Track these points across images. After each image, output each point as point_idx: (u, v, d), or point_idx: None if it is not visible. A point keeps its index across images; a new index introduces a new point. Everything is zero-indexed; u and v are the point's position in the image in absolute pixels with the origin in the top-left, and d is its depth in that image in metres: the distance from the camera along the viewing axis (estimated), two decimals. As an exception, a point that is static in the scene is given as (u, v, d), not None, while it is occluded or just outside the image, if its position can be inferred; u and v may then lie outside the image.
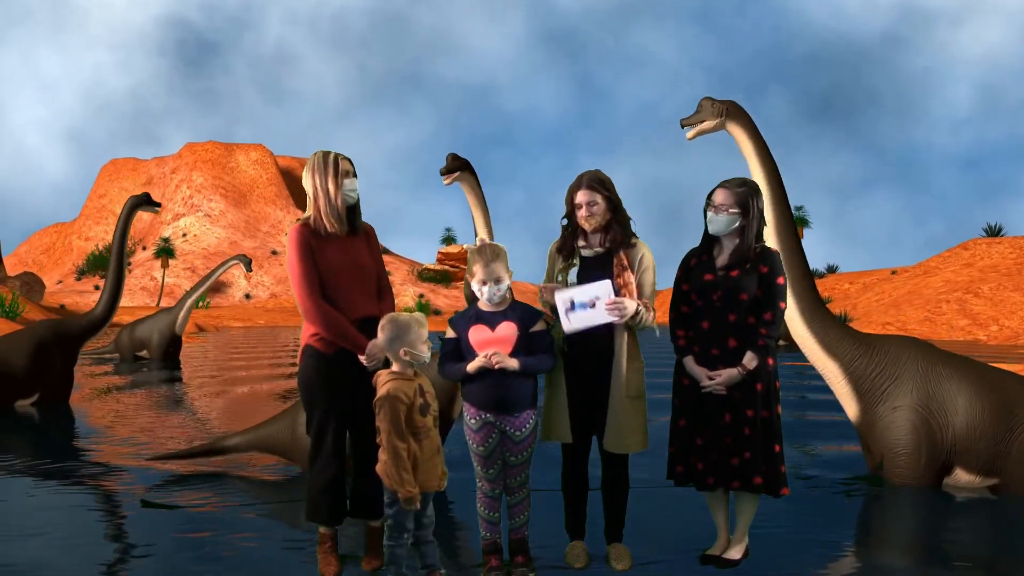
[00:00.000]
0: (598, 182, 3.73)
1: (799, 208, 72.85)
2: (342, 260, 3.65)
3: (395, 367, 3.30)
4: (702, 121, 3.69)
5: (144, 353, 12.29)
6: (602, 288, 3.55)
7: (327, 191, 3.63)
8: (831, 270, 48.87)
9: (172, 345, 12.34)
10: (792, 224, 3.79)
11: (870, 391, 3.69)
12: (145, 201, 6.58)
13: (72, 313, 37.65)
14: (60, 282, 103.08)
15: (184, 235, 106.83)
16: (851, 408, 3.69)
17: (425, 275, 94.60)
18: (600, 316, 3.51)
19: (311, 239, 3.63)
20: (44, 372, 6.34)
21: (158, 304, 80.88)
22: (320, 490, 3.71)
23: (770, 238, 3.78)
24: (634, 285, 3.67)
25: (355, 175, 3.72)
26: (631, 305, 3.55)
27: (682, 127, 3.75)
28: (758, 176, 3.74)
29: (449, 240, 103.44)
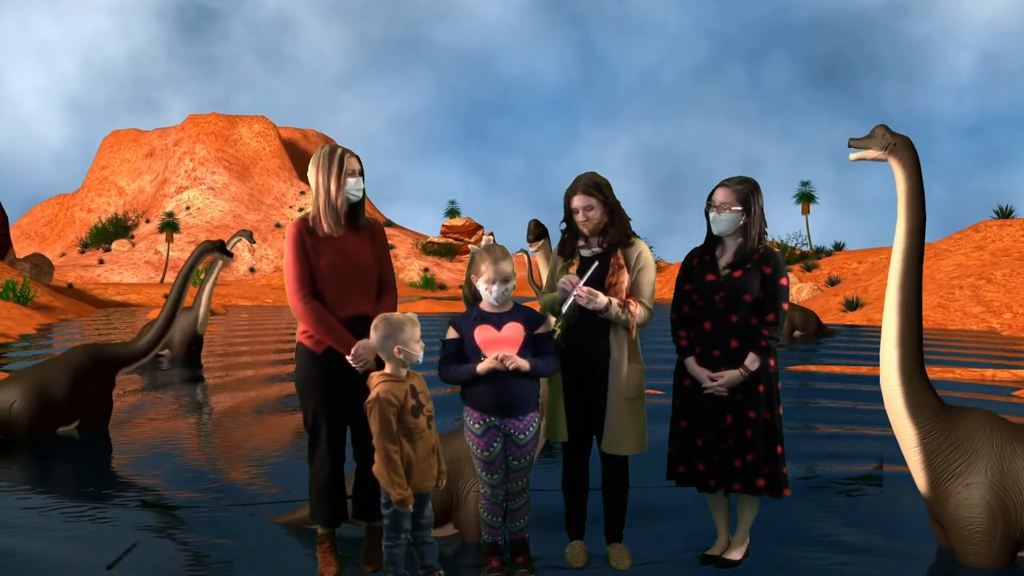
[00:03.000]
0: (594, 186, 3.72)
1: (805, 183, 72.27)
2: (336, 258, 3.61)
3: (388, 368, 3.28)
4: (868, 147, 3.65)
5: (165, 352, 12.27)
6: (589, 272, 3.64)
7: (328, 190, 3.59)
8: (838, 247, 48.61)
9: (194, 344, 12.31)
10: (920, 276, 3.74)
11: (943, 466, 3.66)
12: (218, 248, 6.48)
13: (80, 292, 37.68)
14: (64, 254, 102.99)
15: (187, 208, 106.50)
16: (921, 480, 3.66)
17: (429, 248, 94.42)
18: (573, 294, 3.59)
19: (306, 236, 3.60)
20: (83, 399, 6.33)
21: (163, 279, 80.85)
22: (317, 491, 3.72)
23: (892, 289, 3.73)
24: (625, 285, 3.69)
25: (361, 174, 3.66)
26: (602, 299, 3.58)
27: (849, 146, 3.73)
28: (902, 218, 3.68)
29: (453, 213, 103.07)
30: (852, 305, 24.31)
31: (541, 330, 3.55)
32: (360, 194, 3.67)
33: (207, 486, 5.25)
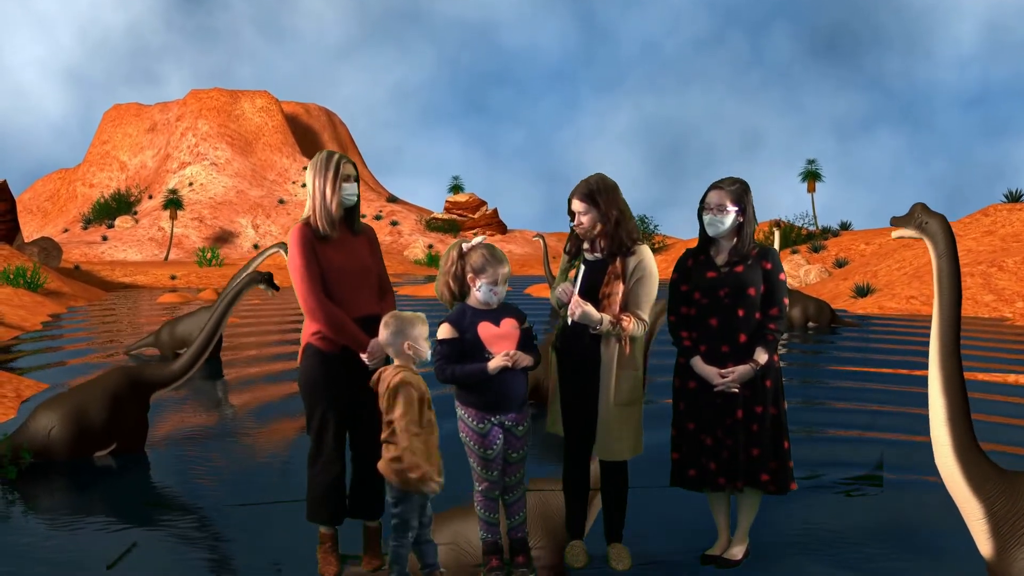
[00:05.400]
0: (589, 195, 3.71)
1: (811, 162, 71.53)
2: (343, 259, 3.71)
3: (397, 363, 3.38)
4: (905, 226, 3.69)
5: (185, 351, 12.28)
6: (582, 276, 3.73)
7: (324, 194, 3.69)
8: (844, 227, 48.41)
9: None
10: (958, 350, 3.76)
11: (1009, 534, 3.69)
12: (266, 280, 6.47)
13: (88, 274, 37.69)
14: (66, 230, 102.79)
15: (190, 184, 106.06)
16: (985, 547, 3.70)
17: (433, 224, 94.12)
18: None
19: (313, 238, 3.69)
20: (120, 423, 6.35)
21: (167, 257, 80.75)
22: (321, 491, 3.79)
23: (934, 369, 3.74)
24: (618, 296, 3.67)
25: (356, 179, 3.76)
26: (593, 315, 3.61)
27: (891, 224, 3.81)
28: (936, 296, 3.71)
29: (457, 188, 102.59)
30: (863, 291, 24.25)
31: (525, 326, 3.66)
32: (355, 199, 3.77)
33: (210, 485, 5.31)
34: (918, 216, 3.64)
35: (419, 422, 3.29)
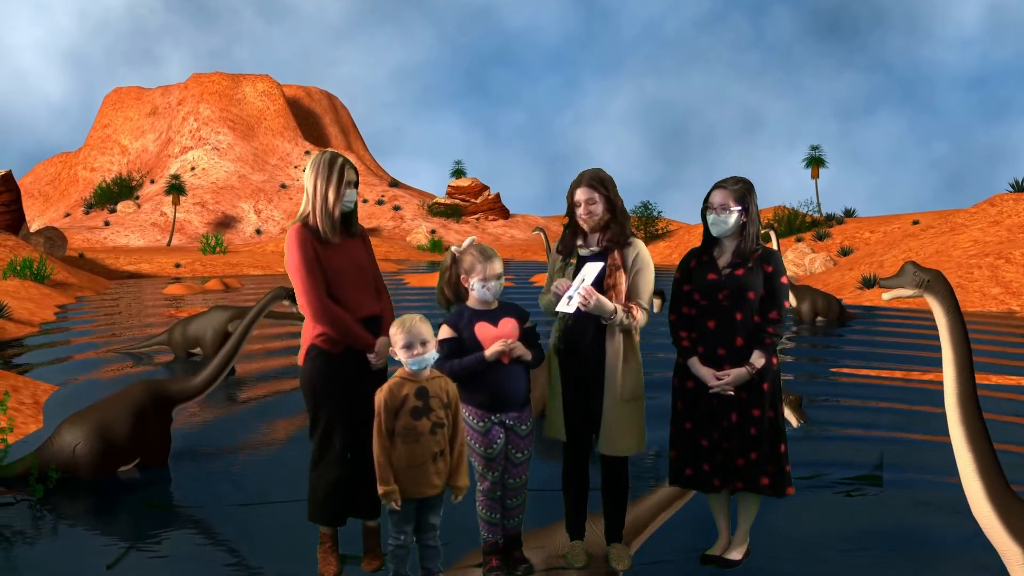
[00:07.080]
0: (598, 181, 3.75)
1: (815, 147, 70.73)
2: (343, 261, 3.73)
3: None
4: (901, 286, 3.66)
5: (197, 350, 12.31)
6: (590, 269, 3.65)
7: (326, 198, 3.68)
8: (848, 214, 48.25)
9: (226, 342, 12.32)
10: (977, 401, 3.76)
11: None
12: (289, 296, 6.46)
13: (93, 263, 37.68)
14: (68, 215, 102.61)
15: (192, 169, 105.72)
16: None
17: (435, 209, 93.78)
18: (576, 293, 3.59)
19: (314, 241, 3.69)
20: (144, 437, 6.37)
21: (169, 243, 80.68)
22: (324, 493, 3.81)
23: (955, 425, 3.74)
24: (623, 286, 3.71)
25: (356, 184, 3.76)
26: (607, 305, 3.61)
27: (880, 286, 3.77)
28: (946, 353, 3.68)
29: (459, 173, 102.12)
30: (869, 283, 24.22)
31: (528, 325, 3.70)
32: (353, 204, 3.78)
33: (206, 484, 5.34)
34: (916, 275, 3.62)
35: (384, 432, 3.30)
